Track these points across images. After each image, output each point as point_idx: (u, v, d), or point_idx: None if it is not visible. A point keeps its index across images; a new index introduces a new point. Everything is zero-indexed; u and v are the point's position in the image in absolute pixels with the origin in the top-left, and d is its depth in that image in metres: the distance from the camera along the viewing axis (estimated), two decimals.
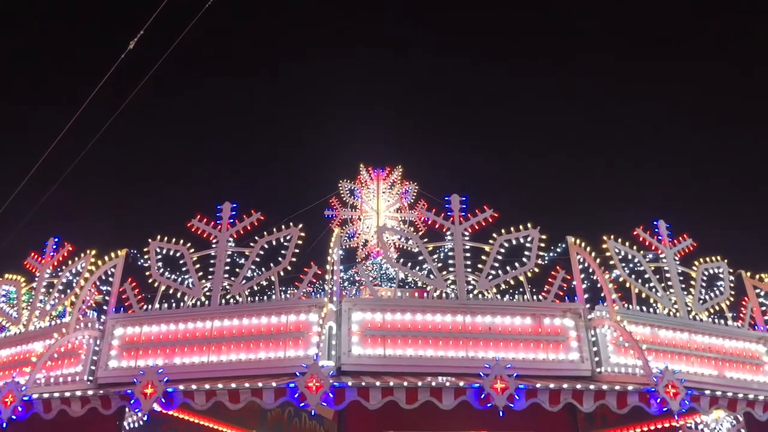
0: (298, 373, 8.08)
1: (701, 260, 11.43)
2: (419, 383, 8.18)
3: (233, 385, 8.29)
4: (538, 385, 8.31)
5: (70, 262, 11.20)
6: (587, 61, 44.26)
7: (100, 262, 10.70)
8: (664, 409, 8.36)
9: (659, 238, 11.37)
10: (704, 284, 11.23)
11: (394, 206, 21.30)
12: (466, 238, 10.42)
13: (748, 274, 11.72)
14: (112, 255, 10.76)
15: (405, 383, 8.18)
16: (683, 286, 11.00)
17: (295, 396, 7.97)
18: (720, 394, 8.82)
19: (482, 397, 8.14)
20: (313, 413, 8.16)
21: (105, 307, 10.52)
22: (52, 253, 11.55)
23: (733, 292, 11.40)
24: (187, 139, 45.21)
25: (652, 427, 13.17)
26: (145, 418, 12.54)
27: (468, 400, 8.24)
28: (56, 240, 11.66)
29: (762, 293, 11.59)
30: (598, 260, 10.28)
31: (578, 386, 8.46)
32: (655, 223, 11.51)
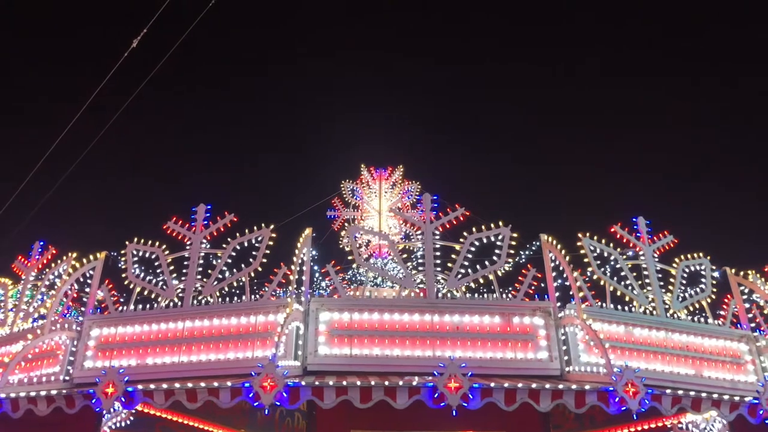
0: (253, 373, 8.15)
1: (682, 257, 11.23)
2: (372, 382, 8.20)
3: (190, 385, 8.40)
4: (492, 385, 8.26)
5: (53, 265, 11.46)
6: (575, 64, 44.48)
7: (78, 265, 10.91)
8: (623, 409, 8.26)
9: (638, 235, 11.20)
10: (684, 282, 11.04)
11: (395, 206, 21.25)
12: (437, 237, 10.41)
13: (733, 270, 11.50)
14: (91, 258, 10.97)
15: (358, 382, 8.20)
16: (662, 283, 10.83)
17: (250, 395, 8.04)
18: (682, 393, 8.66)
19: (435, 396, 8.11)
20: (266, 412, 8.15)
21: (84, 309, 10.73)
22: (37, 256, 11.82)
23: (715, 290, 11.18)
24: (186, 140, 45.61)
25: (640, 428, 12.98)
26: (131, 418, 12.76)
27: (422, 399, 8.22)
28: (41, 243, 11.93)
29: (746, 290, 11.36)
30: (567, 258, 10.18)
31: (533, 385, 8.39)
32: (634, 219, 11.35)
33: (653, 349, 10.15)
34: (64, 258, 11.31)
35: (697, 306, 10.94)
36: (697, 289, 11.07)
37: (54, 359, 10.27)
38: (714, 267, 11.35)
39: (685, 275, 11.08)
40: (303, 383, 8.23)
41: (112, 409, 10.74)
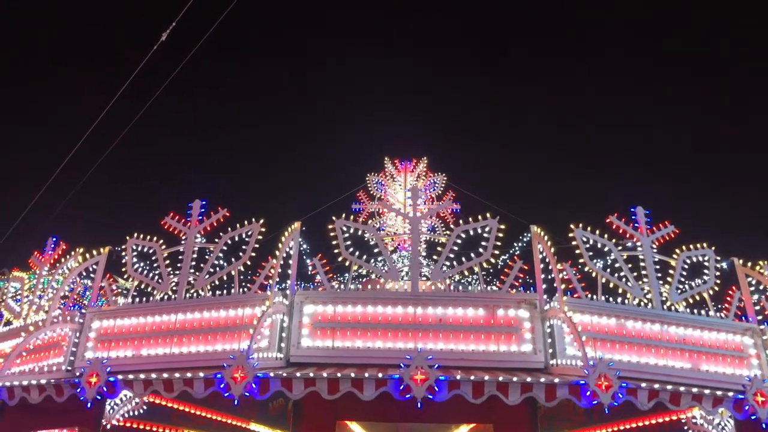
0: (225, 365, 8.34)
1: (683, 248, 10.86)
2: (338, 374, 8.26)
3: (165, 375, 8.65)
4: (458, 377, 8.20)
5: (63, 260, 11.96)
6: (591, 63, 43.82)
7: (81, 259, 11.36)
8: (594, 402, 8.09)
9: (636, 225, 10.88)
10: (685, 273, 10.68)
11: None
12: (423, 230, 10.38)
13: (740, 261, 11.04)
14: (94, 252, 11.39)
15: (324, 374, 8.28)
16: (660, 275, 10.51)
17: (221, 386, 8.23)
18: (658, 387, 8.40)
19: (401, 388, 8.12)
20: (236, 402, 8.32)
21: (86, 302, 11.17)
22: (50, 252, 12.35)
23: (719, 281, 10.77)
24: (214, 136, 46.45)
25: (652, 422, 12.62)
26: (144, 407, 13.18)
27: (389, 391, 8.24)
28: (54, 239, 12.45)
29: (754, 282, 10.89)
30: (553, 249, 9.98)
31: (500, 378, 8.29)
32: (632, 210, 11.02)
33: (647, 342, 9.86)
34: (72, 253, 11.78)
35: (697, 298, 10.57)
36: (699, 281, 10.70)
37: (59, 350, 10.72)
38: (719, 257, 10.94)
39: (686, 267, 10.72)
40: (272, 375, 8.37)
41: (117, 399, 11.23)
